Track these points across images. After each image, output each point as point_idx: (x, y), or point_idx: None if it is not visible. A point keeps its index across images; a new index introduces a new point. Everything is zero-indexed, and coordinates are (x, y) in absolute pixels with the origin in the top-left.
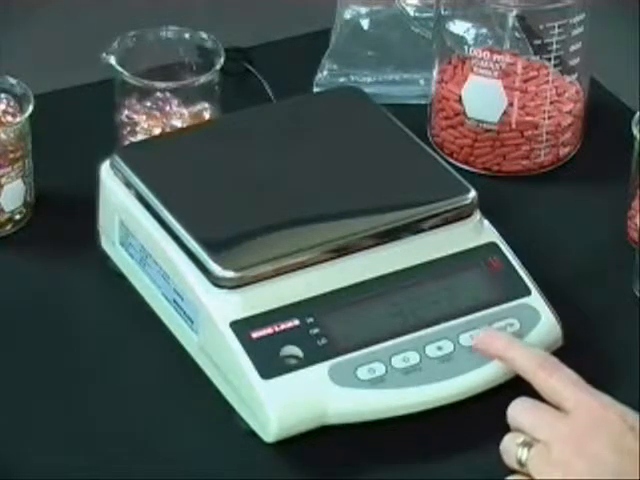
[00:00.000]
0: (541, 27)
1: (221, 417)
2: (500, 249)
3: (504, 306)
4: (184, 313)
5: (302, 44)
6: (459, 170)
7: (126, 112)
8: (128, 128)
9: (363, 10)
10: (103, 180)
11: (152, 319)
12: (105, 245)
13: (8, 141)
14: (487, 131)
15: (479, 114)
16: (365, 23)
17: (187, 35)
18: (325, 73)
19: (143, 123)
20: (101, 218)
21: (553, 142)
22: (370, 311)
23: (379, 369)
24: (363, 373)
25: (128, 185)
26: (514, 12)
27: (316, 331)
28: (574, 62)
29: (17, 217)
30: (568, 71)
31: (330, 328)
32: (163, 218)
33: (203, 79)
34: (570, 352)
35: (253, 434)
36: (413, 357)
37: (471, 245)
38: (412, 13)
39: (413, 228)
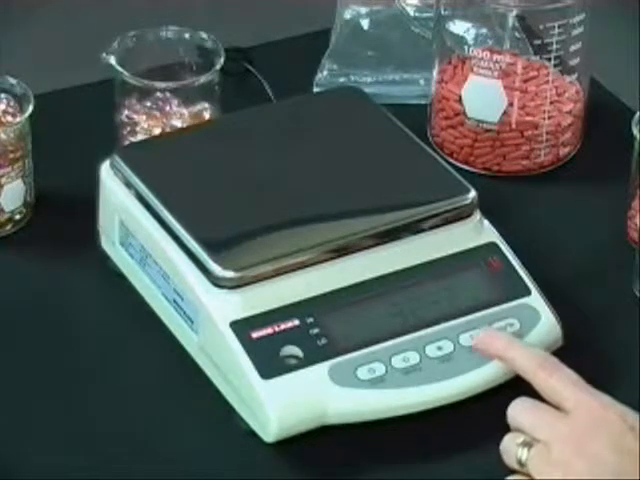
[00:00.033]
0: (541, 27)
1: (221, 417)
2: (500, 249)
3: (504, 306)
4: (184, 313)
5: (302, 44)
6: (459, 170)
7: (126, 112)
8: (128, 128)
9: (363, 10)
10: (103, 180)
11: (152, 319)
12: (105, 245)
13: (8, 141)
14: (487, 131)
15: (479, 114)
16: (365, 23)
17: (187, 35)
18: (325, 73)
19: (143, 123)
20: (101, 218)
21: (553, 142)
22: (370, 311)
23: (379, 369)
24: (363, 373)
25: (128, 185)
26: (514, 12)
27: (316, 331)
28: (574, 62)
29: (17, 217)
30: (568, 71)
31: (330, 328)
32: (163, 218)
33: (203, 79)
34: (570, 352)
35: (253, 434)
36: (413, 357)
37: (471, 245)
38: (412, 13)
39: (413, 228)
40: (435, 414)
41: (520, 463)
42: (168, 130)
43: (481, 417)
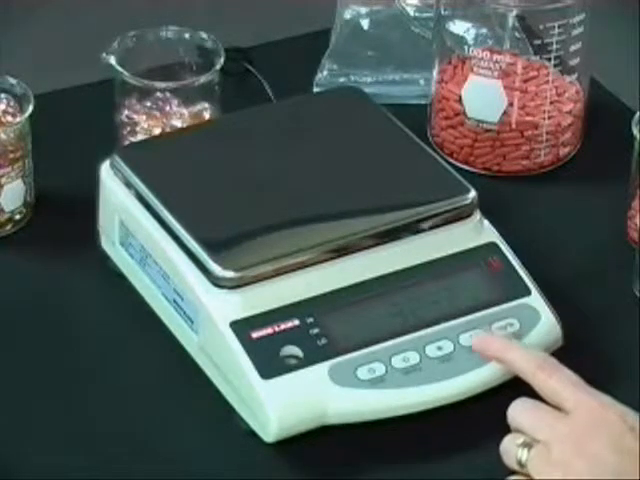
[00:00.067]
0: (541, 27)
1: (221, 417)
2: (500, 249)
3: (504, 306)
4: (184, 313)
5: (302, 44)
6: (459, 170)
7: (126, 112)
8: (128, 128)
9: (363, 10)
10: (103, 180)
11: (152, 319)
12: (105, 245)
13: (8, 141)
14: (487, 131)
15: (479, 114)
16: (365, 23)
17: (187, 35)
18: (325, 73)
19: (143, 123)
20: (101, 218)
21: (553, 142)
22: (370, 311)
23: (379, 369)
24: (363, 373)
25: (128, 185)
26: (514, 12)
27: (316, 331)
28: (574, 62)
29: (17, 217)
30: (568, 71)
31: (330, 328)
32: (163, 218)
33: (203, 79)
34: (570, 352)
35: (253, 434)
36: (413, 357)
37: (471, 245)
38: (412, 13)
39: (413, 228)
40: (435, 414)
41: (520, 464)
42: (168, 130)
43: (481, 417)
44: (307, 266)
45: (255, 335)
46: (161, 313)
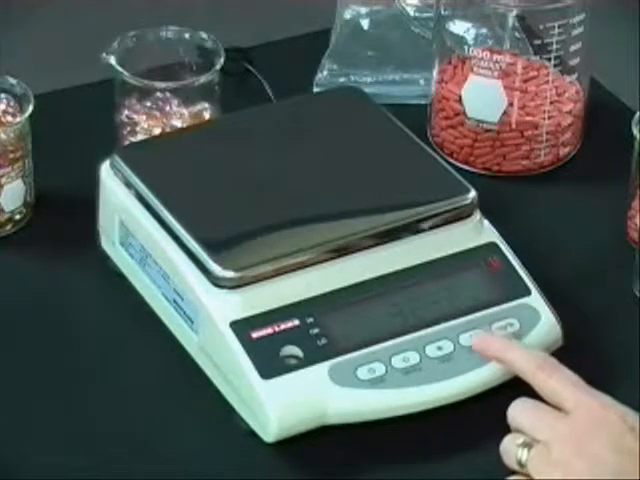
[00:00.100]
0: (541, 27)
1: (221, 417)
2: (500, 249)
3: (504, 306)
4: (184, 313)
5: (302, 44)
6: (459, 170)
7: (126, 112)
8: (128, 128)
9: (363, 10)
10: (103, 180)
11: (152, 319)
12: (105, 245)
13: (8, 141)
14: (487, 131)
15: (479, 114)
16: (365, 23)
17: (187, 35)
18: (325, 73)
19: (143, 123)
20: (101, 218)
21: (553, 142)
22: (370, 311)
23: (379, 369)
24: (363, 373)
25: (128, 185)
26: (514, 12)
27: (316, 331)
28: (574, 62)
29: (17, 217)
30: (568, 71)
31: (330, 328)
32: (163, 218)
33: (203, 79)
34: (570, 352)
35: (253, 434)
36: (413, 357)
37: (471, 245)
38: (412, 13)
39: (413, 228)
40: (435, 414)
41: (520, 464)
42: (168, 130)
43: (481, 417)
44: (307, 266)
45: (255, 335)
46: (161, 313)
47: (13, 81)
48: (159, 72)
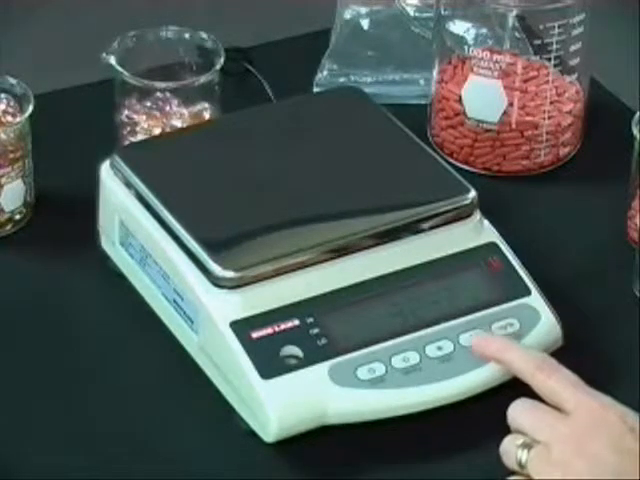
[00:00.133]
0: (541, 27)
1: (221, 417)
2: (500, 249)
3: (504, 306)
4: (184, 313)
5: (302, 44)
6: (459, 170)
7: (126, 112)
8: (128, 128)
9: (363, 10)
10: (103, 180)
11: (152, 319)
12: (105, 245)
13: (8, 141)
14: (487, 131)
15: (479, 114)
16: (365, 23)
17: (187, 35)
18: (325, 73)
19: (143, 123)
20: (101, 218)
21: (553, 142)
22: (370, 311)
23: (379, 369)
24: (363, 373)
25: (128, 185)
26: (514, 12)
27: (316, 331)
28: (574, 62)
29: (17, 217)
30: (568, 71)
31: (330, 328)
32: (163, 218)
33: (203, 79)
34: (570, 352)
35: (253, 434)
36: (413, 357)
37: (471, 245)
38: (412, 13)
39: (413, 228)
40: (435, 414)
41: (520, 465)
42: (168, 130)
43: (481, 417)
44: (307, 266)
45: (255, 335)
46: (161, 313)
47: (13, 81)
48: (159, 72)
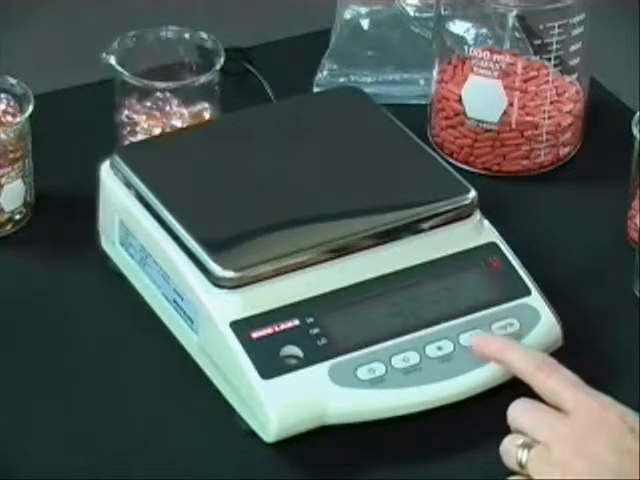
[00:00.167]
0: (541, 27)
1: (221, 417)
2: (500, 249)
3: (504, 306)
4: (184, 313)
5: (302, 44)
6: (459, 170)
7: (126, 112)
8: (128, 128)
9: (363, 10)
10: (103, 180)
11: (152, 319)
12: (105, 245)
13: (8, 141)
14: (487, 131)
15: (479, 114)
16: (365, 23)
17: (187, 35)
18: (325, 73)
19: (143, 123)
20: (101, 218)
21: (553, 142)
22: (370, 311)
23: (379, 369)
24: (363, 373)
25: (128, 185)
26: (514, 12)
27: (316, 331)
28: (574, 62)
29: (17, 217)
30: (568, 71)
31: (330, 328)
32: (163, 218)
33: (203, 79)
34: (570, 352)
35: (253, 434)
36: (413, 357)
37: (471, 245)
38: (412, 13)
39: (413, 228)
40: (435, 414)
41: (520, 464)
42: (168, 130)
43: (481, 417)
44: (307, 266)
45: (255, 335)
46: (161, 313)
47: (13, 81)
48: (159, 72)
